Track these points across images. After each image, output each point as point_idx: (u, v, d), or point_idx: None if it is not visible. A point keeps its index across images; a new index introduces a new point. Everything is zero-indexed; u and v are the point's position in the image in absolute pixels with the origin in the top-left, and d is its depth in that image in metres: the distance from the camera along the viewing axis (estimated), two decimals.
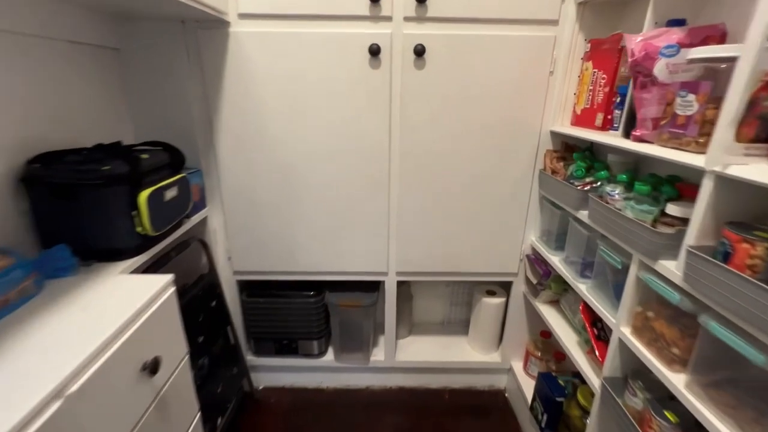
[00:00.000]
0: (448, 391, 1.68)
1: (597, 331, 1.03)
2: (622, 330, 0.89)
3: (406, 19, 1.15)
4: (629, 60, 0.83)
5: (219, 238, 1.41)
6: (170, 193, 1.01)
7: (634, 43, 0.82)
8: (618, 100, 1.02)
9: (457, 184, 1.34)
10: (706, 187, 0.66)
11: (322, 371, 1.66)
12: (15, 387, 0.54)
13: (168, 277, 0.85)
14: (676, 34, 0.79)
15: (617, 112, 1.03)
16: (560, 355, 1.41)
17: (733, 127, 0.61)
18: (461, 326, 1.81)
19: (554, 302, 1.38)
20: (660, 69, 0.79)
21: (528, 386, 1.50)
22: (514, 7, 1.14)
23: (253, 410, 1.55)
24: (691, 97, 0.72)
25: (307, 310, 1.52)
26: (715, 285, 0.62)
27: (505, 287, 1.60)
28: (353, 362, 1.63)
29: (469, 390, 1.69)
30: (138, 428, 0.71)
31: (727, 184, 0.64)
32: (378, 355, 1.64)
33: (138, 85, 1.21)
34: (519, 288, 1.51)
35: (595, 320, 1.04)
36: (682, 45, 0.78)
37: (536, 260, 1.39)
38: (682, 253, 0.70)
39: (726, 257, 0.62)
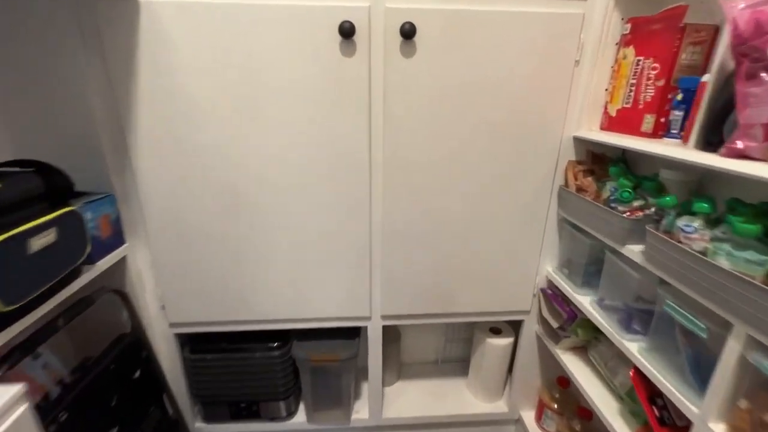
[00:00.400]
0: None
1: (658, 411, 0.76)
2: (712, 427, 0.62)
3: None
4: (731, 35, 0.56)
5: (146, 282, 1.06)
6: (41, 240, 0.67)
7: (737, 11, 0.55)
8: (679, 97, 0.76)
9: (456, 203, 1.05)
10: None
11: None
12: None
13: (12, 391, 0.52)
14: None
15: (677, 113, 0.77)
16: (586, 413, 1.15)
17: None
18: (459, 365, 1.52)
19: (579, 348, 1.11)
20: None
21: None
22: None
23: None
24: None
25: (270, 365, 1.19)
26: None
27: (514, 323, 1.33)
28: (330, 423, 1.31)
29: None
30: None
31: None
32: (361, 412, 1.33)
33: (11, 78, 0.85)
34: (531, 326, 1.24)
35: (653, 395, 0.77)
36: None
37: (554, 296, 1.12)
38: None
39: None
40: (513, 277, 1.16)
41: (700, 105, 0.67)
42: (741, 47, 0.55)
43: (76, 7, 0.82)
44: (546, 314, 1.14)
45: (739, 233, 0.58)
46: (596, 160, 1.02)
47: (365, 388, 1.35)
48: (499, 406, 1.38)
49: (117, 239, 0.97)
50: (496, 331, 1.33)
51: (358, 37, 0.87)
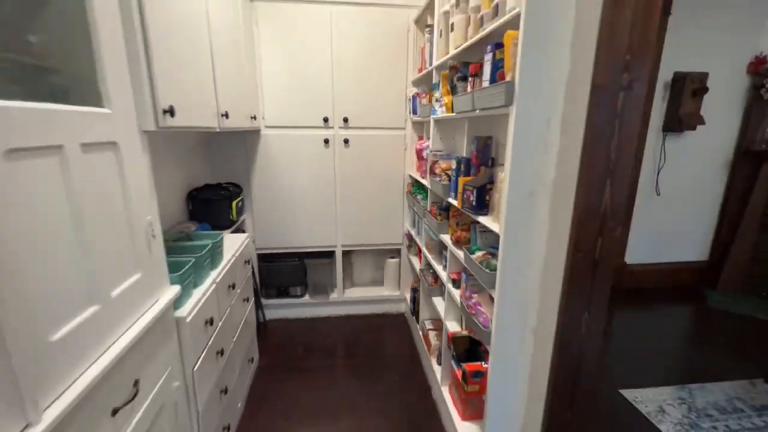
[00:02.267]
0: (374, 315, 3.06)
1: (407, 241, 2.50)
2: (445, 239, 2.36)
3: (340, 127, 2.67)
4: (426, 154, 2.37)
5: (248, 229, 2.77)
6: (239, 205, 2.40)
7: (418, 144, 2.36)
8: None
9: (369, 200, 2.82)
10: None
11: (302, 306, 2.98)
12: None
13: (246, 234, 2.22)
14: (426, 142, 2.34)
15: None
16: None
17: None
18: (382, 281, 3.23)
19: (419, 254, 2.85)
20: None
21: None
22: (388, 120, 2.69)
23: (265, 332, 2.83)
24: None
25: (294, 268, 2.87)
26: None
27: (399, 252, 3.06)
28: (321, 299, 2.97)
29: (385, 314, 3.08)
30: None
31: None
32: (334, 295, 3.00)
33: (220, 158, 2.60)
34: (404, 251, 2.97)
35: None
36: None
37: (408, 235, 2.86)
38: None
39: None
40: (395, 228, 2.91)
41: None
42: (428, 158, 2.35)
43: (243, 137, 2.59)
44: (405, 242, 2.88)
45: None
46: (417, 183, 2.81)
47: (336, 288, 3.02)
48: (396, 292, 3.08)
49: (242, 211, 2.68)
50: (393, 256, 3.05)
51: (330, 142, 2.67)
